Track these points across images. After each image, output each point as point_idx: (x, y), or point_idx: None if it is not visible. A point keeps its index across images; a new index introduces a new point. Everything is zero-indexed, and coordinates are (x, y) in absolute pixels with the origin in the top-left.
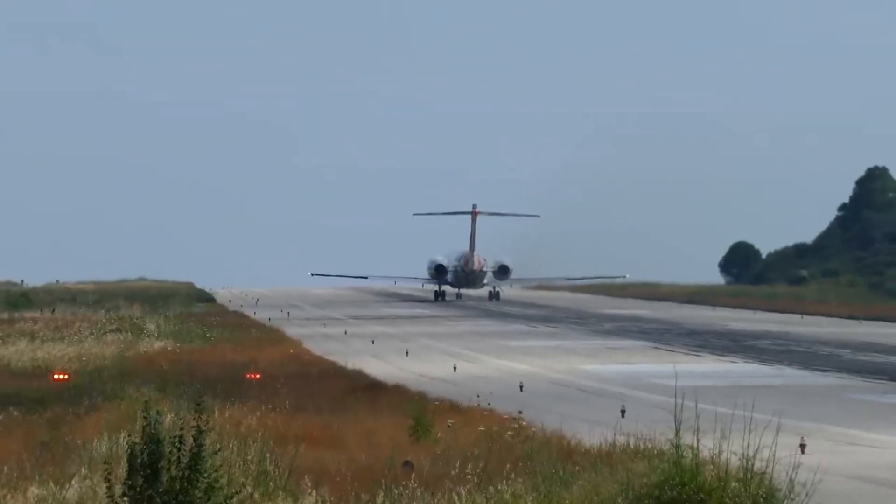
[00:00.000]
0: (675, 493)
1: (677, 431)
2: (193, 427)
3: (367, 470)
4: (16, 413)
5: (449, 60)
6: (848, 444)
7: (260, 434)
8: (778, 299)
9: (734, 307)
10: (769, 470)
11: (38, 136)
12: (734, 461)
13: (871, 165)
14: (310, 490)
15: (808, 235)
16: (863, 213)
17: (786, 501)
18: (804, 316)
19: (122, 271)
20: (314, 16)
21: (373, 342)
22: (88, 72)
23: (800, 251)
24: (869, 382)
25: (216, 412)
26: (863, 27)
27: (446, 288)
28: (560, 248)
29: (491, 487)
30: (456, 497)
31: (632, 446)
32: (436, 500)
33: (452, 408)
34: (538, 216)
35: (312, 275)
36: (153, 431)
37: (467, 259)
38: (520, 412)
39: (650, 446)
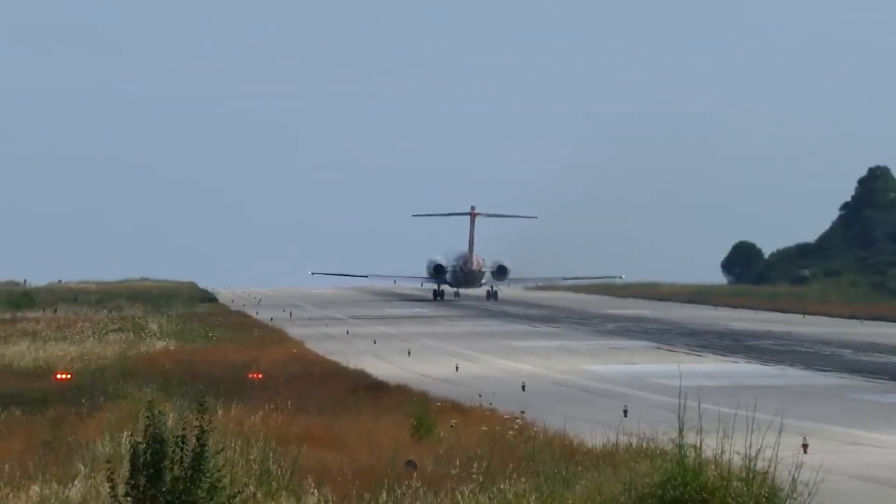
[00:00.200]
0: (677, 492)
1: (680, 431)
2: (196, 427)
3: (369, 470)
4: (18, 413)
5: (449, 60)
6: (850, 444)
7: (262, 434)
8: (779, 299)
9: (736, 307)
10: (772, 469)
11: (39, 135)
12: (737, 461)
13: (872, 165)
14: (312, 490)
15: (811, 235)
16: (865, 212)
17: (788, 501)
18: (806, 316)
19: (124, 271)
20: (314, 16)
21: (375, 342)
22: (88, 72)
23: (802, 251)
24: (871, 382)
25: (219, 412)
26: (863, 27)
27: (445, 287)
28: (560, 248)
29: (494, 487)
30: (459, 497)
31: (634, 446)
32: (438, 500)
33: (455, 408)
34: (536, 217)
35: (313, 273)
36: (156, 431)
37: (466, 259)
38: (522, 412)
39: (653, 446)
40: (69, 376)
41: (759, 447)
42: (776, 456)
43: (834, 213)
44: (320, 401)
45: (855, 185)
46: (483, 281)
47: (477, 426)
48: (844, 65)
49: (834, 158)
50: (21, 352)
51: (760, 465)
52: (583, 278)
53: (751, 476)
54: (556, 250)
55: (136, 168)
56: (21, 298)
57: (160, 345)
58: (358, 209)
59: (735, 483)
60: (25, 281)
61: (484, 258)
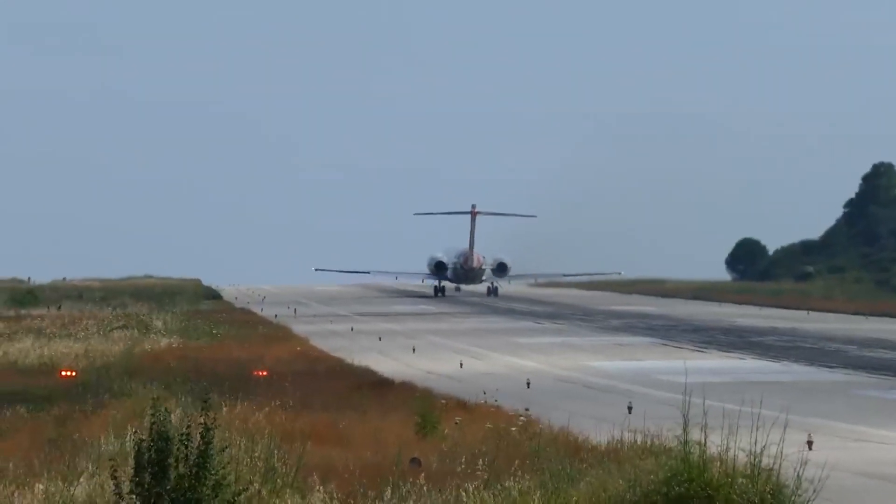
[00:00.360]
0: (682, 489)
1: (685, 428)
2: (201, 424)
3: (374, 467)
4: (23, 410)
5: (449, 60)
6: (855, 441)
7: (267, 431)
8: (784, 296)
9: (740, 304)
10: (776, 466)
11: (41, 136)
12: (742, 457)
13: (876, 161)
14: (317, 487)
15: (815, 232)
16: (869, 209)
17: (793, 497)
18: (810, 312)
19: (128, 269)
20: (314, 16)
21: (380, 339)
22: (88, 72)
23: (806, 248)
24: (876, 379)
25: (223, 409)
26: (863, 27)
27: (446, 283)
28: (561, 246)
29: (498, 484)
30: (463, 494)
31: (639, 443)
32: (443, 497)
33: (459, 405)
34: (535, 216)
35: (316, 270)
36: (161, 429)
37: (467, 257)
38: (527, 409)
39: (657, 443)
40: (74, 374)
41: (763, 444)
42: (781, 452)
43: (838, 210)
44: (325, 398)
45: (859, 181)
46: (483, 278)
47: (481, 423)
48: (844, 65)
49: (837, 156)
50: (26, 349)
51: (765, 461)
52: (582, 275)
53: (756, 473)
54: (556, 248)
55: (139, 167)
56: (25, 296)
57: (165, 342)
58: (359, 208)
59: (740, 480)
60: (30, 278)
61: (484, 256)
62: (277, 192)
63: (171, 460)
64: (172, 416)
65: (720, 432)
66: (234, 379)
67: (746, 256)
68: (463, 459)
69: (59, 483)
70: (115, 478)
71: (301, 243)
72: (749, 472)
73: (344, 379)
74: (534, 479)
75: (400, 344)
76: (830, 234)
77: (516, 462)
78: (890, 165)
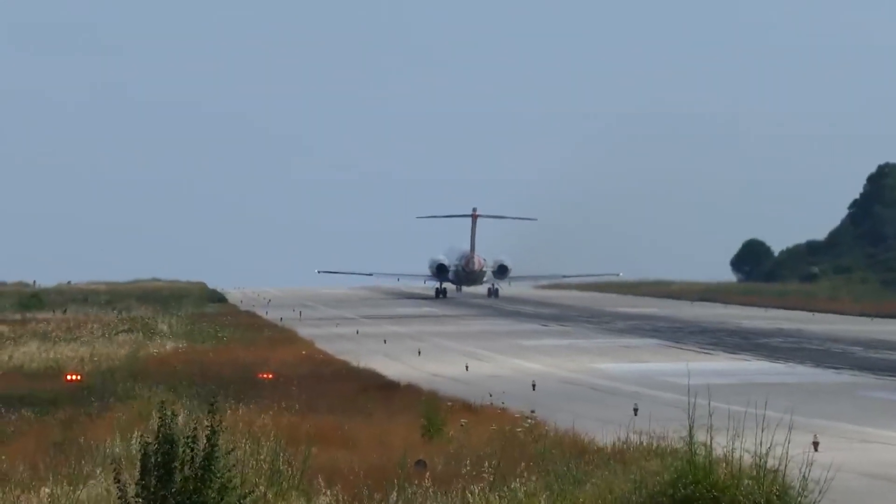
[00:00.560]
0: (688, 490)
1: (691, 429)
2: (207, 427)
3: (379, 469)
4: (28, 414)
5: (449, 61)
6: (861, 442)
7: (273, 434)
8: (789, 297)
9: (745, 305)
10: (782, 467)
11: (43, 137)
12: (747, 459)
13: (882, 162)
14: (323, 489)
15: (820, 232)
16: (874, 209)
17: (799, 499)
18: (816, 313)
19: (133, 272)
20: (314, 16)
21: (385, 342)
22: (89, 72)
23: (812, 248)
24: (881, 380)
25: (228, 412)
26: (863, 27)
27: (447, 285)
28: (564, 247)
29: (504, 486)
30: (469, 496)
31: (645, 444)
32: (449, 500)
33: (465, 407)
34: (535, 219)
35: (319, 272)
36: (167, 432)
37: (468, 259)
38: (532, 411)
39: (663, 444)
40: (79, 377)
41: (769, 445)
42: (787, 454)
43: (843, 211)
44: (331, 400)
45: (864, 182)
46: (484, 280)
47: (487, 425)
48: (844, 65)
49: (843, 156)
50: (31, 353)
51: (771, 463)
52: (581, 276)
53: (761, 474)
54: (557, 250)
55: (140, 168)
56: (30, 300)
57: (170, 345)
58: (360, 208)
59: (746, 481)
60: (35, 282)
61: (485, 258)
62: (278, 193)
63: (177, 463)
64: (178, 419)
65: (726, 434)
66: (239, 382)
67: (752, 257)
68: (469, 462)
69: (65, 486)
70: (118, 481)
71: (303, 245)
72: (755, 473)
73: (349, 382)
74: (540, 480)
75: (405, 346)
76: (836, 234)
77: (522, 464)
78: (895, 166)
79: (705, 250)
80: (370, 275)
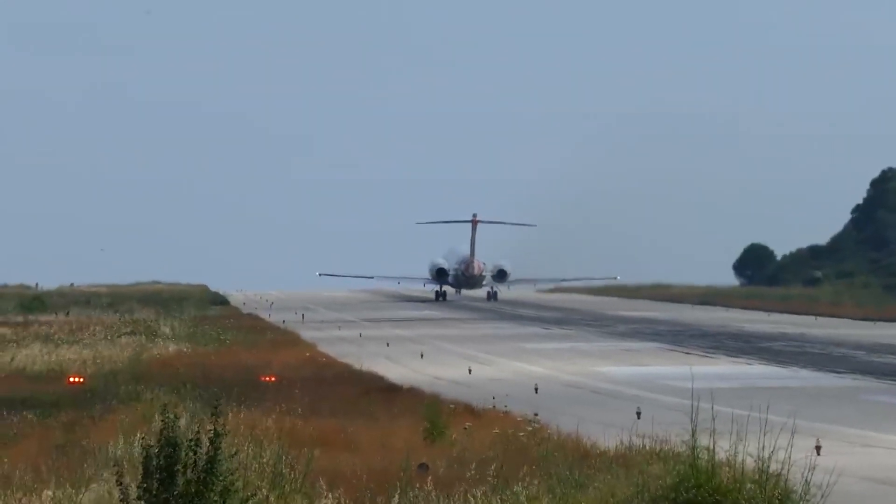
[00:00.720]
0: (690, 494)
1: (693, 433)
2: (209, 430)
3: (382, 472)
4: (31, 416)
5: (449, 61)
6: (863, 446)
7: (275, 436)
8: (792, 301)
9: (747, 308)
10: (785, 471)
11: (45, 137)
12: (750, 463)
13: (885, 166)
14: (325, 492)
15: (823, 237)
16: (877, 214)
17: (801, 503)
18: (818, 317)
19: (135, 274)
20: (314, 16)
21: (388, 345)
22: (89, 72)
23: (814, 252)
24: (884, 384)
25: (229, 415)
26: (863, 27)
27: (447, 288)
28: (564, 249)
29: (507, 490)
30: (472, 499)
31: (647, 448)
32: (451, 503)
33: (468, 410)
34: (535, 225)
35: (320, 275)
36: (170, 434)
37: (468, 264)
38: (535, 414)
39: (666, 448)
40: (82, 380)
41: (772, 449)
42: (789, 458)
43: (846, 215)
44: (333, 403)
45: (867, 186)
46: (484, 283)
47: (490, 429)
48: (845, 65)
49: (845, 159)
50: (33, 355)
51: (774, 467)
52: (579, 279)
53: (764, 478)
54: (557, 252)
55: (143, 170)
56: (33, 302)
57: (173, 348)
58: (360, 209)
59: (748, 485)
60: (37, 284)
61: (484, 262)
62: (278, 194)
63: (179, 466)
64: (180, 421)
65: (728, 438)
66: (242, 385)
67: (754, 261)
68: (471, 465)
69: (68, 489)
70: (120, 484)
71: (303, 246)
72: (757, 477)
73: (352, 384)
74: (542, 484)
75: (408, 350)
76: (838, 239)
77: (525, 467)
78: None
79: (706, 252)
80: (371, 278)
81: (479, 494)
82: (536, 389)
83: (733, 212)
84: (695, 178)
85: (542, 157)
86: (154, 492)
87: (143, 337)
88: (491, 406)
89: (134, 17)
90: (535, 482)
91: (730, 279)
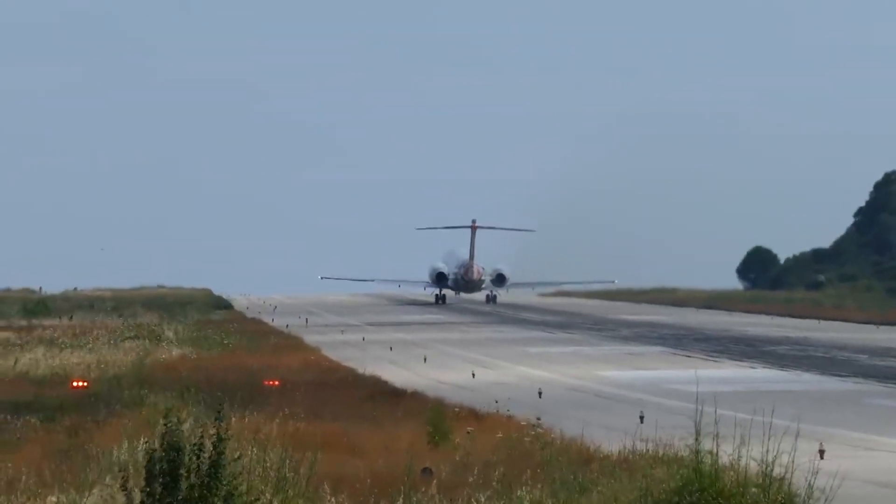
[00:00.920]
0: (694, 498)
1: (697, 437)
2: (213, 434)
3: (385, 477)
4: (34, 421)
5: (449, 61)
6: (867, 450)
7: (279, 441)
8: (795, 304)
9: (751, 312)
10: (788, 475)
11: (46, 138)
12: (753, 467)
13: (888, 169)
14: (329, 497)
15: (826, 240)
16: (880, 217)
17: None
18: (821, 321)
19: (139, 279)
20: (314, 16)
21: (391, 349)
22: (89, 71)
23: (817, 256)
24: (887, 387)
25: (233, 419)
26: (863, 27)
27: (447, 292)
28: (564, 251)
29: (510, 494)
30: (475, 503)
31: (651, 452)
32: None
33: (471, 414)
34: (534, 231)
35: (322, 278)
36: (173, 439)
37: (468, 269)
38: (539, 418)
39: (669, 452)
40: (86, 384)
41: (775, 453)
42: (793, 462)
43: (849, 218)
44: (337, 407)
45: (870, 189)
46: (483, 287)
47: (493, 433)
48: (846, 67)
49: (848, 162)
50: (37, 359)
51: (777, 470)
52: (577, 283)
53: (767, 482)
54: (557, 256)
55: (147, 175)
56: (36, 306)
57: (176, 352)
58: (360, 210)
59: (752, 489)
60: (41, 289)
61: (483, 267)
62: (278, 194)
63: (183, 470)
64: (184, 425)
65: (732, 441)
66: (245, 389)
67: (757, 265)
68: (475, 469)
69: (71, 494)
70: (125, 488)
71: (304, 247)
72: (761, 481)
73: (355, 389)
74: (546, 488)
75: (411, 354)
76: (841, 242)
77: (528, 471)
78: None
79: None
80: (372, 281)
81: (482, 499)
82: (540, 393)
83: (735, 214)
84: (696, 180)
85: (542, 157)
86: (158, 496)
87: (147, 341)
88: (494, 410)
89: (134, 16)
90: (539, 486)
91: (733, 282)
